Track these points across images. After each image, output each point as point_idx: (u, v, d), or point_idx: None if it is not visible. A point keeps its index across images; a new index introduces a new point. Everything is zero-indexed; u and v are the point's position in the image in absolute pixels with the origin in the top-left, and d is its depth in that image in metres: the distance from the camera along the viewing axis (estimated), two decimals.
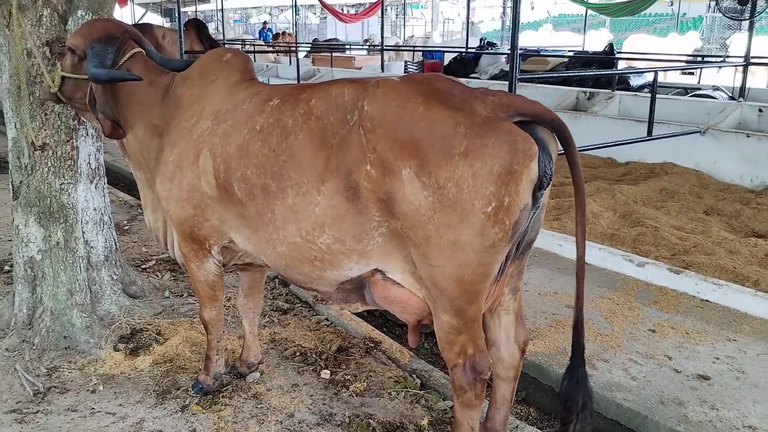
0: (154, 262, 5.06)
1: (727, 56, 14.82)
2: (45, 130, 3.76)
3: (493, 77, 14.23)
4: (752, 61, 8.68)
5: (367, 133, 2.39)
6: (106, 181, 4.21)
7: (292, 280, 2.92)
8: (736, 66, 10.60)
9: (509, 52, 5.45)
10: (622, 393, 3.29)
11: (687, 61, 13.50)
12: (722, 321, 4.06)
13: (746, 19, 9.87)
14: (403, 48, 21.11)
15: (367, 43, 21.30)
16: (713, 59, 15.34)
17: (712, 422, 3.04)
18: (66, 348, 3.74)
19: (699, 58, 14.93)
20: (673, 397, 3.25)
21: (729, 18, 11.30)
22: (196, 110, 3.00)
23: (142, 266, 4.95)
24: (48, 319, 3.79)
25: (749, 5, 9.45)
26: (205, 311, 3.33)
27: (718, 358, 3.62)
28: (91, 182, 4.04)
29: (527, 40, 23.35)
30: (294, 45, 18.93)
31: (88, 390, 3.43)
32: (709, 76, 14.07)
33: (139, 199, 6.77)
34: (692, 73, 14.71)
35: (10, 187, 3.88)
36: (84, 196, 3.98)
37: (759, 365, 3.55)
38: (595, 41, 21.40)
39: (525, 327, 2.83)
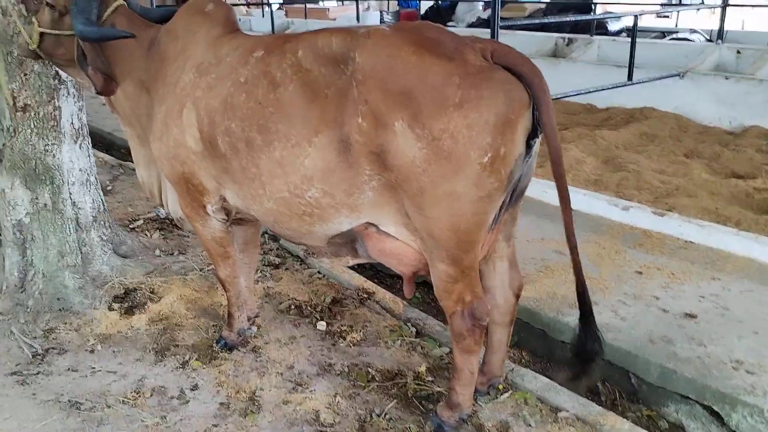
0: (141, 221, 5.03)
1: None
2: (25, 90, 3.68)
3: (471, 25, 14.10)
4: (730, 3, 8.67)
5: (359, 85, 2.35)
6: (90, 141, 4.14)
7: (281, 235, 2.92)
8: (713, 8, 10.58)
9: None
10: (613, 333, 3.37)
11: (664, 4, 13.45)
12: (706, 261, 4.16)
13: None
14: None
15: None
16: (690, 2, 15.29)
17: (700, 358, 3.14)
18: (60, 309, 3.74)
19: (676, 1, 14.86)
20: (662, 336, 3.34)
21: None
22: (180, 64, 2.93)
23: (130, 226, 4.92)
24: (40, 282, 3.78)
25: None
26: (219, 270, 3.31)
27: (703, 297, 3.72)
28: (75, 142, 3.97)
29: None
30: None
31: (86, 350, 3.45)
32: (685, 19, 14.05)
33: (119, 159, 6.78)
34: (668, 16, 14.67)
35: None
36: (69, 157, 3.91)
37: (742, 302, 3.66)
38: None
39: (519, 273, 2.88)
